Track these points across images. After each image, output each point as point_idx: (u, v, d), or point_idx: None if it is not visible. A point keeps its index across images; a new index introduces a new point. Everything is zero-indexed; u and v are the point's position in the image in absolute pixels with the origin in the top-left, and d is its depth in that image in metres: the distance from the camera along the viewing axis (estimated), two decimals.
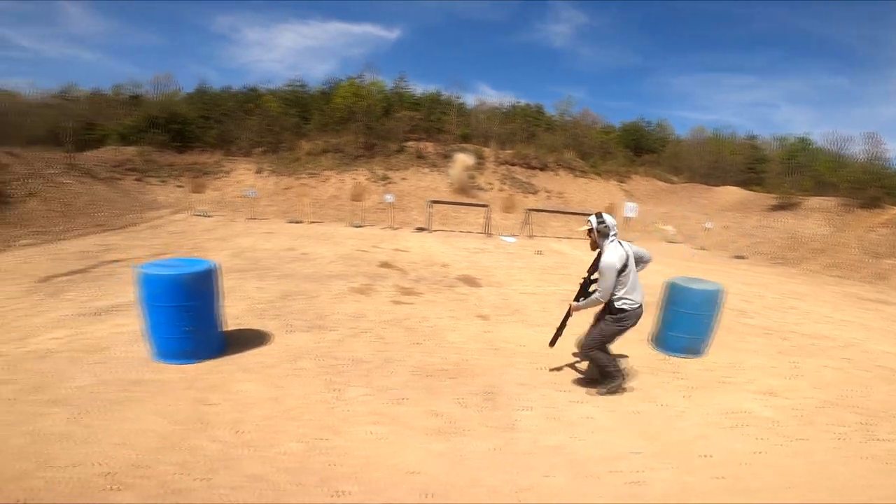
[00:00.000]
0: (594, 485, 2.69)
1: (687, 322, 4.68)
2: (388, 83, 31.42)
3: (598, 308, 3.72)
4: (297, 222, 14.58)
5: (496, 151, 26.24)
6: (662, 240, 17.96)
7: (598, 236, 3.48)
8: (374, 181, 19.93)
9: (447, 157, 23.79)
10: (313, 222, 14.95)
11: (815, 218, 16.61)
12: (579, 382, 4.01)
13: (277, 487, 2.48)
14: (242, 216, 15.01)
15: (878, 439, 3.43)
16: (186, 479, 2.49)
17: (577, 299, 3.70)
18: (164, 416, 3.06)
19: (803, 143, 33.33)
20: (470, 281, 7.75)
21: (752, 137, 36.64)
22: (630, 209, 17.66)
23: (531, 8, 74.52)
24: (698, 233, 17.53)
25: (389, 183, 20.16)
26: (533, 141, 28.85)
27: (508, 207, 16.57)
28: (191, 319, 3.84)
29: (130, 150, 18.20)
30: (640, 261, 3.66)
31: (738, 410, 3.72)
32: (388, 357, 4.24)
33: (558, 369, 4.26)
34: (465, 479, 2.65)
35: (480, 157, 24.81)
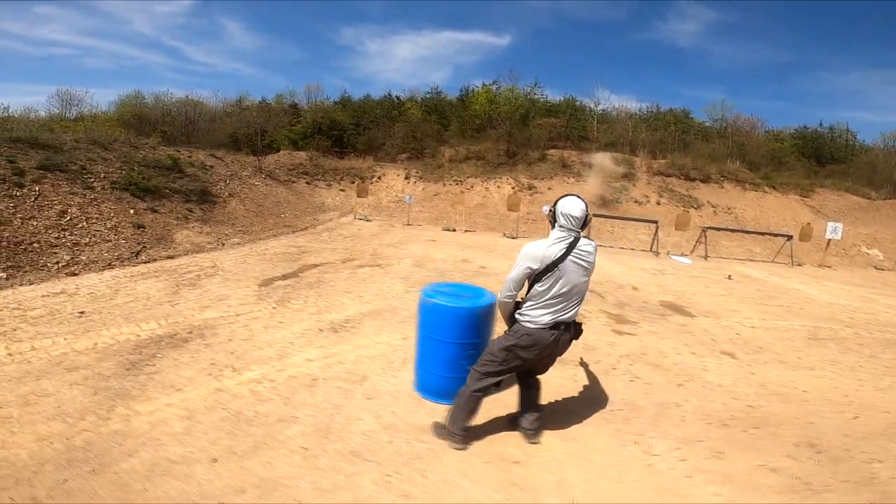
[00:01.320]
0: None
1: None
2: (519, 89, 30.67)
3: None
4: (451, 230, 14.21)
5: (647, 161, 23.85)
6: (868, 266, 15.28)
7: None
8: (520, 190, 19.03)
9: (592, 166, 22.18)
10: (467, 231, 14.48)
11: None
12: None
13: None
14: (397, 221, 15.11)
15: None
16: None
17: None
18: (478, 482, 2.51)
19: None
20: (678, 309, 6.91)
21: None
22: (833, 230, 15.03)
23: (649, 7, 67.27)
24: None
25: (536, 192, 19.12)
26: (688, 150, 26.00)
27: (682, 224, 14.42)
28: (473, 358, 3.16)
29: (302, 155, 19.68)
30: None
31: None
32: (660, 401, 3.71)
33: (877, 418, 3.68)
34: None
35: (630, 168, 22.71)
